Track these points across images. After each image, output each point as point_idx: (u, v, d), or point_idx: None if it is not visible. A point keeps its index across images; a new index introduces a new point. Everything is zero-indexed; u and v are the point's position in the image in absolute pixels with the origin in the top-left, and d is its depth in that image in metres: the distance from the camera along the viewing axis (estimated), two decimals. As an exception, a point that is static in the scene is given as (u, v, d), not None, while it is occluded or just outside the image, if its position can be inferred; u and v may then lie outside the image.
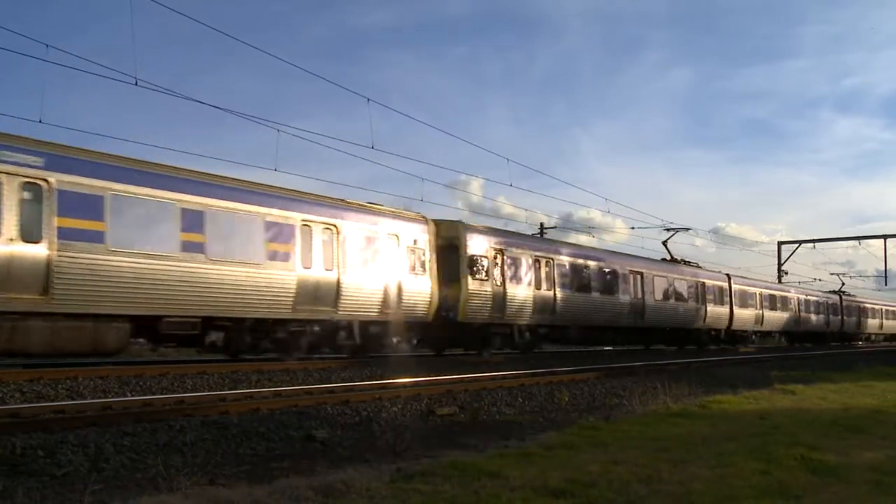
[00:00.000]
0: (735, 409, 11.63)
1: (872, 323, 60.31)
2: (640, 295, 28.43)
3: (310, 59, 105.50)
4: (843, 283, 60.56)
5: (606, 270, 26.63)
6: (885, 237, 52.77)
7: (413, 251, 18.71)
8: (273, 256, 15.30)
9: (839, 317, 52.32)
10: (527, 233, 30.06)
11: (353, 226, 17.13)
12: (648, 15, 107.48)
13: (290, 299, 15.57)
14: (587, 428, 9.17)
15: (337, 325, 16.86)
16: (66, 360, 13.59)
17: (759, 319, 39.65)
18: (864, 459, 7.20)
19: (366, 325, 17.54)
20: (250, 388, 11.71)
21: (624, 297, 27.43)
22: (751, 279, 40.78)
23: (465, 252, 20.07)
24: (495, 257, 21.05)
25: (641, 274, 28.73)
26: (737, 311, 36.55)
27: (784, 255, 56.24)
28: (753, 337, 40.99)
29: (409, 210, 20.26)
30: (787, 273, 54.80)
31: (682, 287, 31.83)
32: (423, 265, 18.96)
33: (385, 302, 17.65)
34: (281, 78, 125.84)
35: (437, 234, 19.84)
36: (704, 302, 33.35)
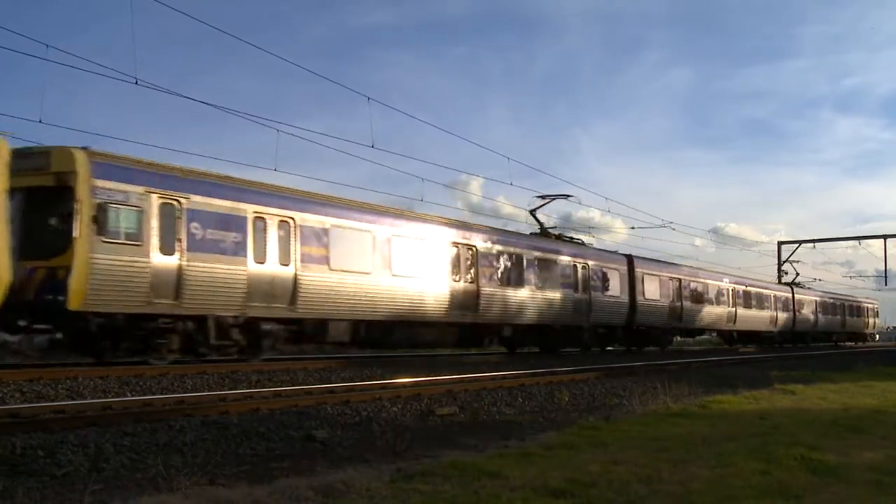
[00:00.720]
0: (735, 409, 11.63)
1: (831, 321, 51.86)
2: (470, 277, 20.35)
3: (310, 58, 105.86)
4: (798, 274, 52.37)
5: (402, 240, 18.53)
6: (885, 237, 52.73)
7: None
8: None
9: (790, 313, 44.25)
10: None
11: None
12: (648, 15, 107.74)
13: None
14: (587, 428, 9.17)
15: None
16: (66, 360, 13.58)
17: (677, 314, 31.49)
18: (864, 459, 7.19)
19: None
20: (250, 388, 11.71)
21: (440, 281, 19.38)
22: (667, 263, 32.61)
23: (89, 198, 12.75)
24: (165, 211, 13.77)
25: (474, 248, 20.65)
26: (643, 302, 28.78)
27: (784, 256, 56.21)
28: (675, 338, 34.20)
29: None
30: (787, 273, 54.75)
31: (550, 269, 23.70)
32: None
33: None
34: (281, 77, 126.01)
35: (32, 170, 12.70)
36: (589, 290, 25.46)
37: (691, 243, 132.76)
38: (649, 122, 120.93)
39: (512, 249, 22.30)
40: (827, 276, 61.53)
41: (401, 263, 18.39)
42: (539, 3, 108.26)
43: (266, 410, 9.69)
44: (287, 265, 15.78)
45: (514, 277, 22.09)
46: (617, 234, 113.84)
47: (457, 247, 20.19)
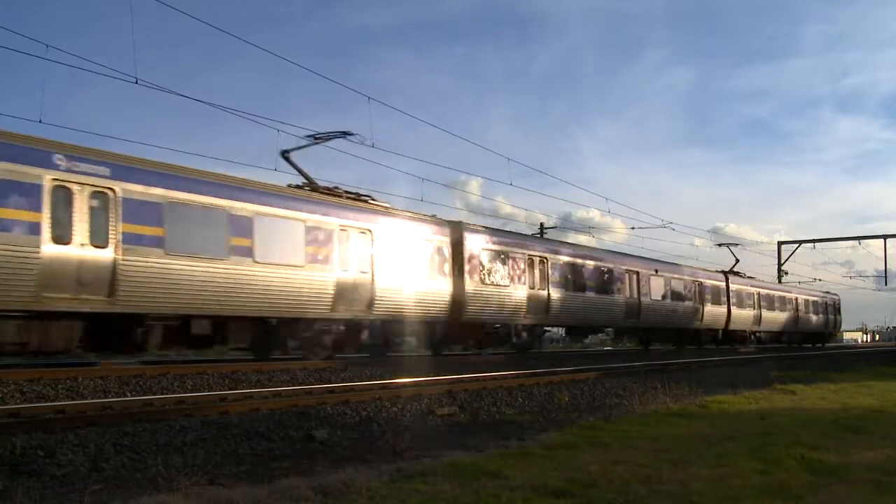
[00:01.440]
0: (735, 408, 11.62)
1: (779, 318, 43.33)
2: (102, 242, 12.62)
3: (310, 58, 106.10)
4: (738, 261, 42.52)
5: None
6: (885, 237, 52.83)
7: None
8: None
9: (722, 307, 36.57)
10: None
11: None
12: (649, 14, 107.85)
13: None
14: (587, 428, 9.17)
15: None
16: (66, 360, 13.58)
17: (542, 306, 23.48)
18: (864, 459, 7.19)
19: None
20: (250, 388, 11.72)
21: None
22: (525, 236, 26.28)
23: None
24: None
25: (111, 192, 12.84)
26: (476, 290, 20.86)
27: (784, 256, 56.17)
28: (553, 338, 27.84)
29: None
30: (787, 273, 54.72)
31: (293, 237, 16.00)
32: None
33: None
34: (281, 77, 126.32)
35: None
36: (373, 271, 17.66)
37: (691, 243, 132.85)
38: (650, 122, 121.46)
39: (210, 202, 14.49)
40: (827, 275, 61.44)
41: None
42: (539, 2, 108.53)
43: (266, 410, 9.70)
44: None
45: (209, 245, 14.38)
46: (617, 234, 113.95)
47: (68, 188, 12.31)
